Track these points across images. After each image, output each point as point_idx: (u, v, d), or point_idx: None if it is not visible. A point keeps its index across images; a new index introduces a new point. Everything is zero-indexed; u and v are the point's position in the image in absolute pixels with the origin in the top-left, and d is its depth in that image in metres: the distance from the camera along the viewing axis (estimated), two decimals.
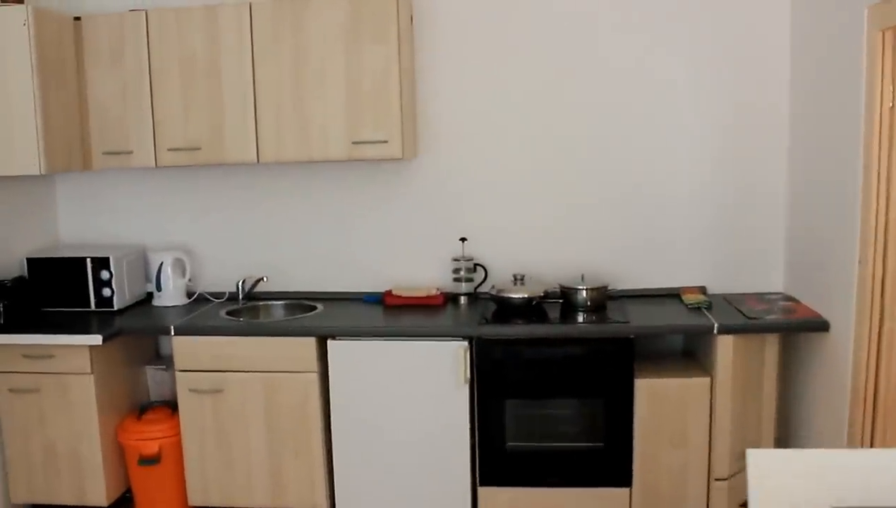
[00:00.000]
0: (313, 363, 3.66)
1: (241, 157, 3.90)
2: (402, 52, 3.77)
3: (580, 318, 3.72)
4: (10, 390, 3.82)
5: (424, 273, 4.22)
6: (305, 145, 3.84)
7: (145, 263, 4.36)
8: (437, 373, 3.61)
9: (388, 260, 4.24)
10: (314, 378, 3.67)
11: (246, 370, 3.70)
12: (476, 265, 4.13)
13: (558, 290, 3.93)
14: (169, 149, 3.95)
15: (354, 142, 3.80)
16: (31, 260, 4.13)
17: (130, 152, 4.00)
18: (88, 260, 4.07)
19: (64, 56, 3.91)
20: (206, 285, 4.39)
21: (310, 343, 3.65)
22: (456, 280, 4.12)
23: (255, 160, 3.89)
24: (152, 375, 4.31)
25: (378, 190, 4.21)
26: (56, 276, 4.10)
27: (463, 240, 4.15)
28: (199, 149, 3.92)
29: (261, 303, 4.23)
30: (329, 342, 3.66)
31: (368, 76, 3.75)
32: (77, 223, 4.50)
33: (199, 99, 3.88)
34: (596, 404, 3.60)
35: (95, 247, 4.29)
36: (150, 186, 4.41)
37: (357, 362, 3.64)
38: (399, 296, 4.05)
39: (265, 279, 4.26)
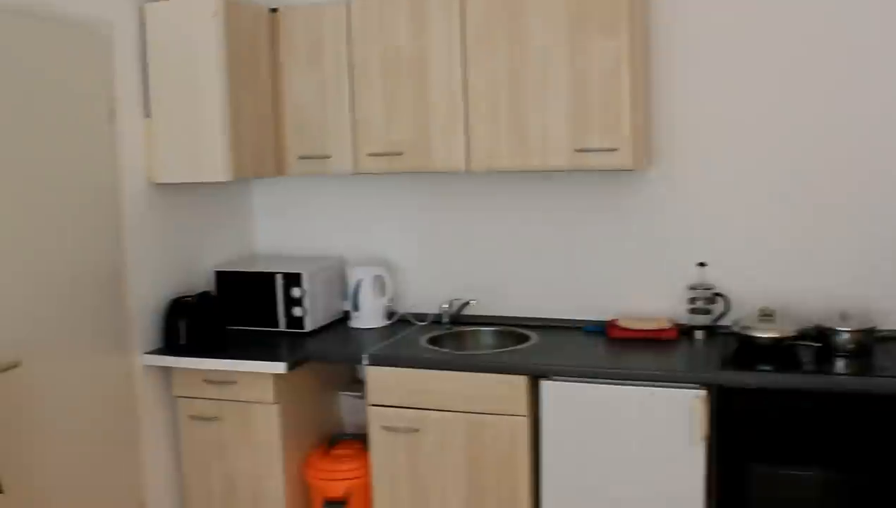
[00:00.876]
0: (523, 405, 3.13)
1: (448, 165, 3.43)
2: (633, 45, 3.18)
3: (841, 367, 3.00)
4: (191, 417, 3.50)
5: (655, 302, 3.61)
6: (522, 152, 3.33)
7: (342, 279, 3.95)
8: (668, 426, 3.00)
9: (613, 285, 3.64)
10: (524, 422, 3.13)
11: (446, 409, 3.22)
12: (716, 295, 3.47)
13: (814, 330, 3.20)
14: (369, 154, 3.54)
15: (578, 150, 3.25)
16: (219, 274, 3.81)
17: (328, 157, 3.61)
18: (279, 276, 3.70)
19: (258, 51, 3.56)
20: (408, 305, 3.94)
21: (520, 382, 3.12)
22: (692, 311, 3.48)
23: (465, 168, 3.40)
24: (347, 402, 3.92)
25: (603, 204, 3.63)
26: (244, 292, 3.77)
27: (702, 264, 3.50)
28: (401, 154, 3.48)
29: (468, 329, 3.74)
30: (543, 382, 3.11)
31: (596, 73, 3.19)
32: (273, 233, 4.18)
33: (404, 99, 3.44)
34: (861, 479, 2.86)
35: (288, 261, 3.94)
36: (348, 194, 4.02)
37: (574, 407, 3.08)
38: (626, 329, 3.46)
39: (473, 303, 3.76)
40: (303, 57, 3.60)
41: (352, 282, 3.82)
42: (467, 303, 3.77)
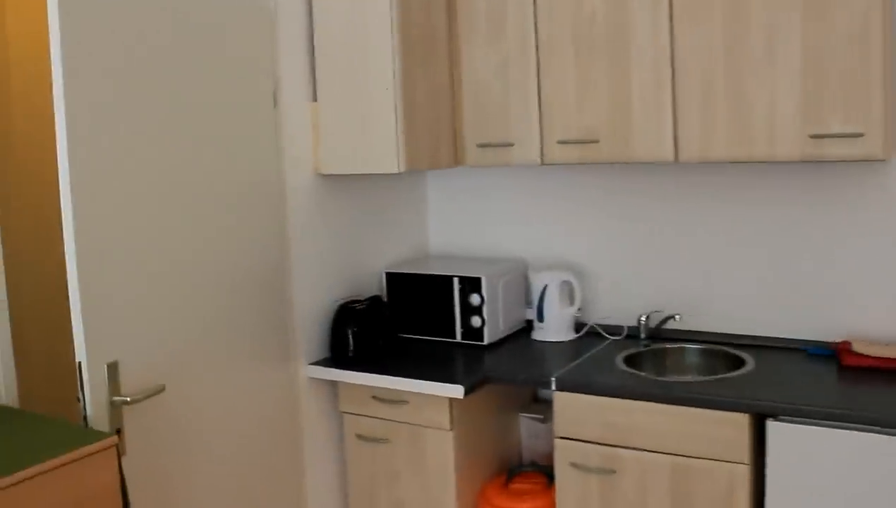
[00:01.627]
0: (745, 450, 2.56)
1: (652, 154, 2.89)
2: (885, 3, 2.54)
3: None
4: (359, 436, 3.13)
5: None
6: (743, 139, 2.76)
7: (524, 285, 3.48)
8: None
9: (846, 299, 3.00)
10: (744, 472, 2.56)
11: (649, 448, 2.68)
12: None
13: None
14: (559, 142, 3.05)
15: (813, 136, 2.64)
16: (390, 276, 3.42)
17: (511, 145, 3.14)
18: (456, 279, 3.27)
19: (434, 25, 3.14)
20: (599, 316, 3.42)
21: (742, 422, 2.55)
22: None
23: (673, 158, 2.86)
24: (527, 426, 3.45)
25: (837, 201, 2.99)
26: (417, 297, 3.38)
27: None
28: (596, 142, 2.97)
29: (669, 347, 3.19)
30: (769, 423, 2.53)
31: (837, 39, 2.57)
32: (446, 231, 3.76)
33: (599, 77, 2.94)
34: None
35: (465, 263, 3.51)
36: (532, 187, 3.55)
37: (807, 455, 2.48)
38: (863, 355, 2.82)
39: (677, 317, 3.20)
40: (482, 30, 3.15)
41: (535, 289, 3.35)
42: (670, 318, 3.21)
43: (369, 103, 3.00)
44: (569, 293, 3.36)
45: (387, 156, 2.99)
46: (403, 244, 3.64)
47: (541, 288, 3.35)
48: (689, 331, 3.25)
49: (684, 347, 3.19)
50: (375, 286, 3.48)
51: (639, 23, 2.85)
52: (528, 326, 3.47)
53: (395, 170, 2.99)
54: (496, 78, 3.14)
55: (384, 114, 2.98)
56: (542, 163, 3.09)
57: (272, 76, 2.96)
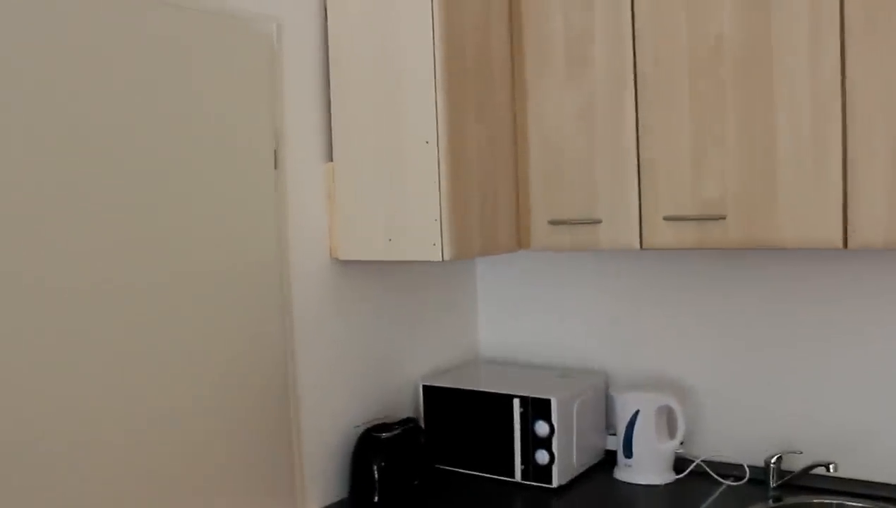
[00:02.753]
0: None
1: (807, 238, 2.02)
2: None
3: None
4: None
5: None
6: None
7: (606, 405, 2.62)
8: None
9: None
10: None
11: None
12: None
13: None
14: (666, 219, 2.17)
15: None
16: (427, 390, 2.57)
17: (597, 222, 2.29)
18: (516, 401, 2.40)
19: (491, 58, 2.31)
20: (707, 450, 2.53)
21: None
22: None
23: (841, 243, 1.97)
24: None
25: None
26: (463, 419, 2.54)
27: None
28: (721, 218, 2.09)
29: (814, 502, 2.27)
30: None
31: None
32: (504, 329, 2.93)
33: (727, 128, 2.09)
34: None
35: (528, 376, 2.67)
36: (623, 277, 2.68)
37: None
38: None
39: (831, 468, 2.29)
40: (559, 63, 2.32)
41: (621, 413, 2.48)
42: (820, 466, 2.30)
43: (403, 164, 2.18)
44: (668, 421, 2.48)
45: (426, 238, 2.15)
46: (446, 347, 2.79)
47: (629, 413, 2.47)
48: (843, 480, 2.34)
49: (831, 503, 2.26)
50: (409, 404, 2.63)
51: (790, 46, 2.00)
52: (609, 458, 2.60)
53: (438, 259, 2.14)
54: (577, 129, 2.31)
55: (423, 179, 2.14)
56: (643, 248, 2.23)
57: (272, 127, 2.15)
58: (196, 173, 1.97)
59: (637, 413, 2.47)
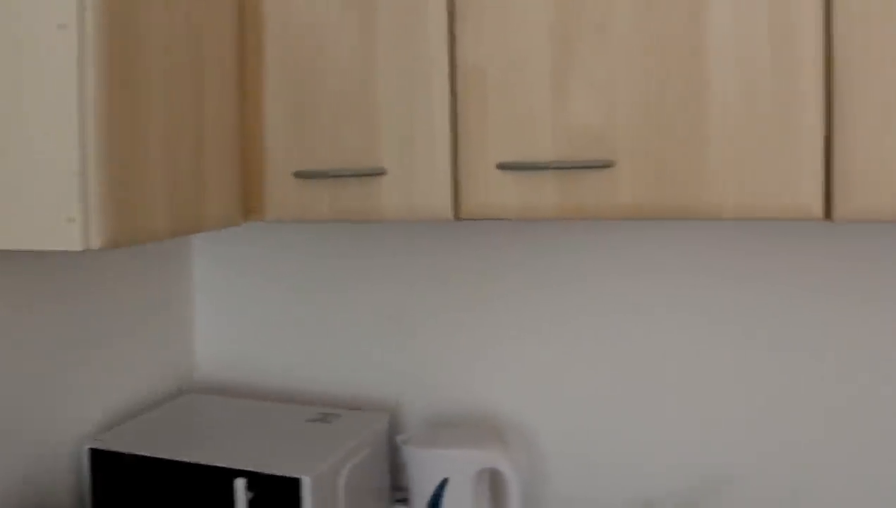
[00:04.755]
0: None
1: (770, 202, 1.11)
2: None
3: None
4: None
5: None
6: None
7: (393, 460, 1.67)
8: None
9: None
10: None
11: None
12: None
13: None
14: (502, 167, 1.21)
15: None
16: (97, 456, 1.50)
17: (380, 174, 1.29)
18: (240, 482, 1.38)
19: None
20: None
21: None
22: None
23: (822, 214, 1.09)
24: None
25: None
26: (154, 499, 1.47)
27: None
28: (608, 166, 1.16)
29: None
30: None
31: None
32: (233, 347, 1.89)
33: (617, 14, 1.12)
34: None
35: (259, 421, 1.63)
36: (413, 258, 1.71)
37: None
38: None
39: None
40: None
41: (420, 479, 1.57)
42: None
43: (14, 64, 1.10)
44: (491, 487, 1.57)
45: (54, 209, 1.09)
46: (140, 376, 1.75)
47: (433, 482, 1.54)
48: None
49: None
50: (66, 479, 1.55)
51: None
52: None
53: (79, 248, 1.08)
54: (345, 17, 1.32)
55: (51, 94, 1.09)
56: (459, 218, 1.27)
57: None
58: None
59: (445, 482, 1.52)
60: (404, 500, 1.70)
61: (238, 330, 1.88)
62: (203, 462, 1.45)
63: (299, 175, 1.36)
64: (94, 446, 1.54)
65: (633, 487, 1.62)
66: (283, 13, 1.37)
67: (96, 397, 1.66)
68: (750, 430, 1.53)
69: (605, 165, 1.15)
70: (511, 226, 1.64)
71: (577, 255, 1.61)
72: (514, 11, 1.21)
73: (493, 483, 1.64)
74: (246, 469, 1.43)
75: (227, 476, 1.43)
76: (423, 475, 1.56)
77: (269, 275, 1.86)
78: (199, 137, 1.30)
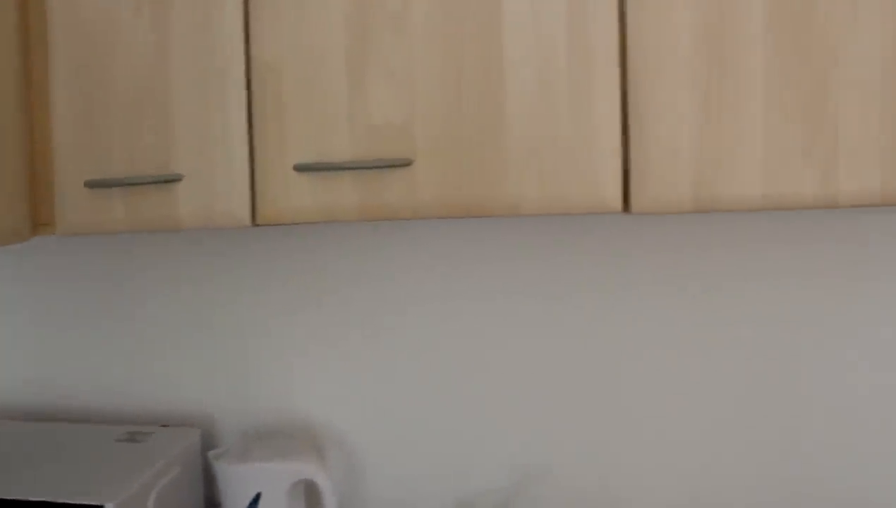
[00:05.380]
0: None
1: (573, 200, 1.12)
2: None
3: None
4: None
5: None
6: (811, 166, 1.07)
7: (206, 477, 1.61)
8: None
9: None
10: None
11: None
12: None
13: None
14: (300, 168, 1.18)
15: None
16: None
17: (175, 180, 1.23)
18: None
19: None
20: None
21: None
22: None
23: (620, 207, 1.11)
24: None
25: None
26: None
27: None
28: (406, 164, 1.15)
29: None
30: None
31: None
32: (20, 354, 1.77)
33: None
34: None
35: (59, 442, 1.54)
36: (217, 268, 1.66)
37: None
38: None
39: None
40: None
41: (233, 494, 1.51)
42: None
43: None
44: (306, 498, 1.53)
45: None
46: None
47: (246, 497, 1.49)
48: None
49: None
50: None
51: None
52: None
53: None
54: (135, 12, 1.25)
55: None
56: (256, 223, 1.22)
57: None
58: None
59: (258, 497, 1.48)
60: None
61: (35, 349, 1.77)
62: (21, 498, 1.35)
63: (91, 184, 1.29)
64: None
65: (452, 489, 1.61)
66: (69, 2, 1.29)
67: None
68: (567, 425, 1.55)
69: (404, 164, 1.14)
70: (317, 228, 1.61)
71: (384, 254, 1.59)
72: (310, 1, 1.18)
73: (310, 494, 1.60)
74: (44, 500, 1.34)
75: None
76: (235, 490, 1.51)
77: (66, 290, 1.76)
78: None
